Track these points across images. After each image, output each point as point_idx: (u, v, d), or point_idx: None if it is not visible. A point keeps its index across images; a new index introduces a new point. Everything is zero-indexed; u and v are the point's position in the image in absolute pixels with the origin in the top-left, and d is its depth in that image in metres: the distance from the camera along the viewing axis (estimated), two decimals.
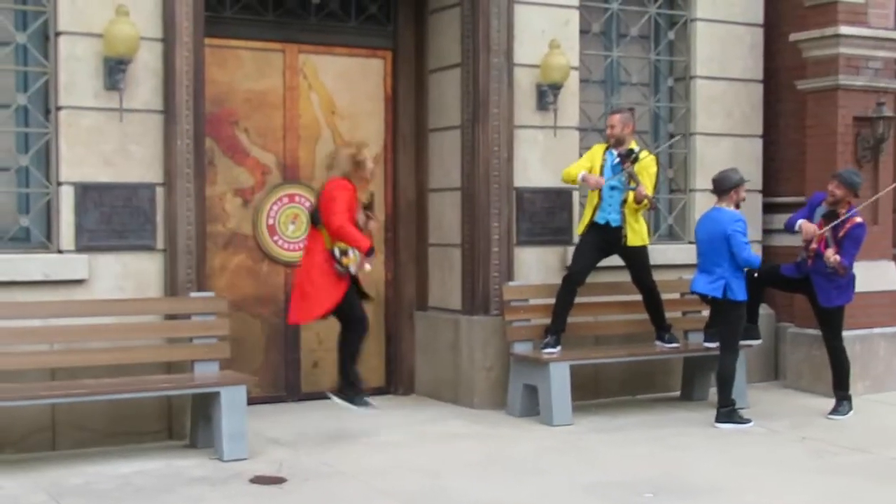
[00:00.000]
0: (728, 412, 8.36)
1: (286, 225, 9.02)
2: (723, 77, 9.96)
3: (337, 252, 7.51)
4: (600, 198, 8.55)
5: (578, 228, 8.83)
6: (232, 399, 7.21)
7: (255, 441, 7.49)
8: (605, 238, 8.58)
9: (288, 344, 9.08)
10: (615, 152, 8.54)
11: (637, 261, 8.72)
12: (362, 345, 7.88)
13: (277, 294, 9.02)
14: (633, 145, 8.59)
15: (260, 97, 8.91)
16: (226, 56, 8.77)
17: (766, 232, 10.27)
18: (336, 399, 7.79)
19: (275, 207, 8.97)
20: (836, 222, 8.51)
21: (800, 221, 8.69)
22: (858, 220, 8.59)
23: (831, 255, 8.42)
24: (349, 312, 7.69)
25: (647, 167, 8.54)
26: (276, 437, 7.83)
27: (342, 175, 7.63)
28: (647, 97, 9.91)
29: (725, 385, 8.40)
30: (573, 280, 8.60)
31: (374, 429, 8.10)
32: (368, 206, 7.84)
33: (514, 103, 8.94)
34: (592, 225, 8.60)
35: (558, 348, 8.51)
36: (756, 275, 8.63)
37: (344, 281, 7.58)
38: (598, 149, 8.70)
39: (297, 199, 9.05)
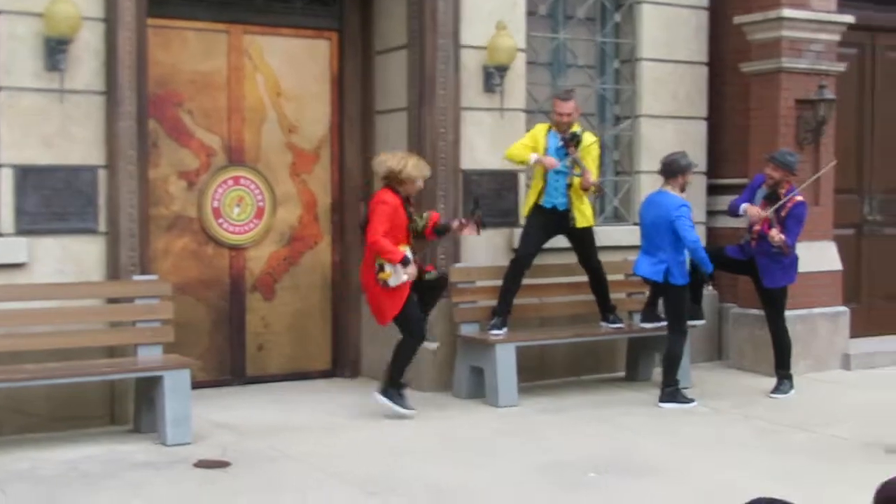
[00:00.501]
0: (672, 392, 8.41)
1: (231, 207, 8.94)
2: (669, 59, 9.98)
3: (377, 266, 7.67)
4: (545, 181, 8.52)
5: (523, 210, 8.81)
6: (175, 383, 7.12)
7: (199, 425, 7.39)
8: (551, 220, 8.57)
9: (233, 327, 9.00)
10: (559, 136, 8.50)
11: (584, 242, 8.72)
12: (414, 353, 7.96)
13: (222, 277, 8.95)
14: (576, 127, 8.57)
15: (204, 78, 8.79)
16: (170, 37, 8.63)
17: (711, 213, 10.32)
18: (380, 399, 7.89)
19: (220, 190, 8.88)
20: (778, 204, 8.56)
21: (744, 206, 8.73)
22: (799, 199, 8.65)
23: (776, 235, 8.48)
24: (403, 320, 7.81)
25: (590, 151, 8.50)
26: (221, 421, 7.75)
27: (387, 184, 7.72)
28: (594, 79, 9.91)
29: (672, 365, 8.44)
30: (521, 263, 8.58)
31: (322, 413, 8.05)
32: (474, 211, 8.00)
33: (461, 85, 8.89)
34: (538, 208, 8.58)
35: (504, 330, 8.50)
36: (701, 279, 8.69)
37: (401, 289, 7.68)
38: (540, 128, 8.64)
39: (242, 181, 8.97)
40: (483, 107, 9.04)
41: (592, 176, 8.40)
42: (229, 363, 9.01)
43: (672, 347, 8.48)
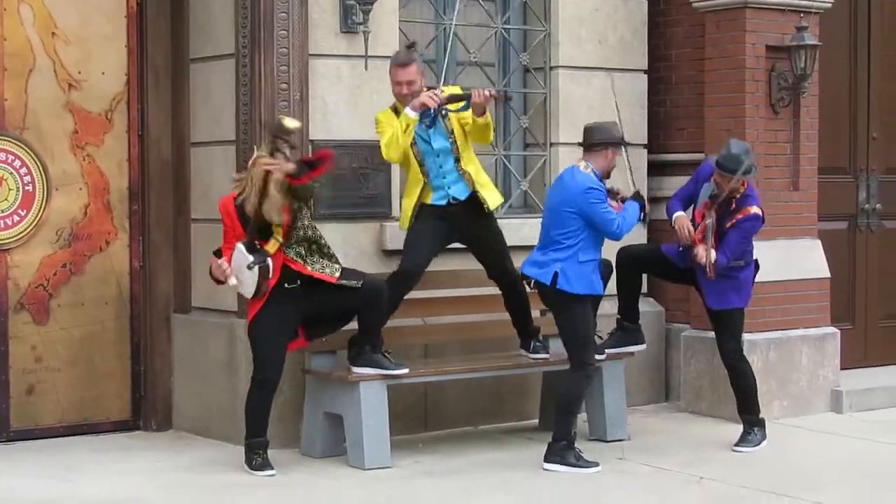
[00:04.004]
0: (562, 449, 8.33)
1: None
2: None
3: None
4: (426, 174, 8.50)
5: (402, 222, 8.75)
6: None
7: None
8: (448, 219, 8.56)
9: None
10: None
11: (491, 238, 8.69)
12: (263, 400, 8.22)
13: None
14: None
15: None
16: None
17: (653, 200, 10.35)
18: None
19: None
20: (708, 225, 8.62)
21: (675, 215, 8.84)
22: (754, 210, 8.69)
23: (702, 252, 8.59)
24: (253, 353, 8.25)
25: (451, 89, 8.53)
26: None
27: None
28: (493, 16, 9.93)
29: (564, 413, 8.37)
30: (408, 278, 8.51)
31: (119, 482, 7.94)
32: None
33: (310, 23, 8.87)
34: (427, 208, 8.55)
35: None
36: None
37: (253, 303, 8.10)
38: (387, 115, 8.53)
39: (0, 156, 8.87)
40: (340, 53, 9.03)
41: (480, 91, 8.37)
42: None
43: (568, 389, 8.43)
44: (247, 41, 8.82)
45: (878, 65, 11.00)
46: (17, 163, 8.89)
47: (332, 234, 8.90)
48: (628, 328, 8.95)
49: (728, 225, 8.67)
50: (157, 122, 9.34)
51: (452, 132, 8.46)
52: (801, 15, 9.85)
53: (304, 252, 8.07)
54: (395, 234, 9.08)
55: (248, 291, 7.94)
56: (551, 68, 10.00)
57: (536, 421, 9.59)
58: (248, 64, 8.81)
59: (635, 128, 10.19)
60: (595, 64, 10.08)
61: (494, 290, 8.90)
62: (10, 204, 8.88)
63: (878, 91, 11.02)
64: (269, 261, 7.90)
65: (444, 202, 8.54)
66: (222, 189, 8.89)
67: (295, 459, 8.53)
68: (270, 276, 7.93)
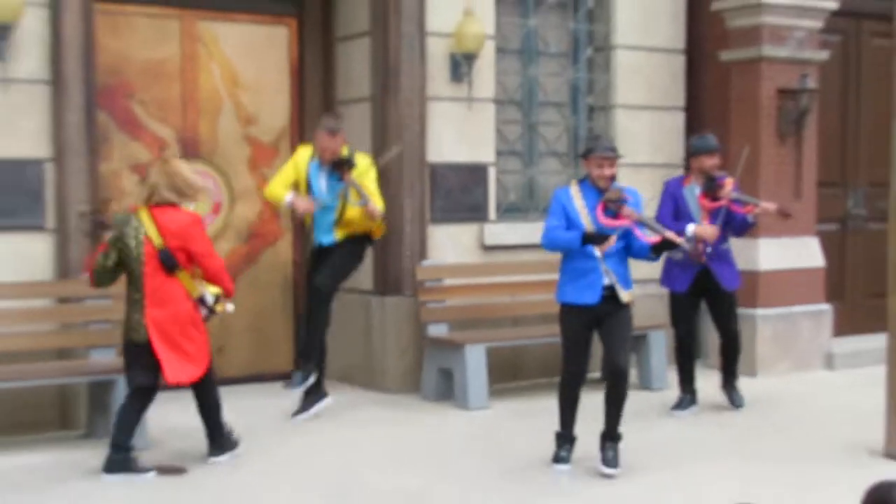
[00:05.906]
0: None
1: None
2: (644, 47, 10.06)
3: (210, 298, 6.76)
4: (312, 216, 8.02)
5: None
6: None
7: (155, 430, 7.41)
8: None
9: None
10: (323, 166, 7.90)
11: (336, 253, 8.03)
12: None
13: None
14: (345, 150, 7.92)
15: (157, 67, 8.81)
16: (119, 23, 8.64)
17: None
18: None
19: None
20: (746, 199, 8.20)
21: (691, 228, 7.88)
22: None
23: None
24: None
25: (365, 172, 7.92)
26: (176, 426, 7.73)
27: (168, 202, 6.67)
28: (566, 68, 9.96)
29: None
30: (316, 290, 8.03)
31: (286, 416, 8.10)
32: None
33: (427, 74, 8.93)
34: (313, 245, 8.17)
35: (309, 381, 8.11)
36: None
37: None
38: (303, 154, 8.05)
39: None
40: (450, 97, 9.09)
41: (378, 204, 7.85)
42: None
43: None
44: (379, 88, 8.90)
45: (864, 103, 10.90)
46: (209, 181, 8.99)
47: (443, 233, 9.08)
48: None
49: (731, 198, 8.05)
50: None
51: (356, 199, 7.78)
52: (805, 65, 9.88)
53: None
54: (492, 232, 9.18)
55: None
56: (610, 107, 10.02)
57: (599, 374, 9.54)
58: (381, 105, 8.89)
59: (674, 154, 10.18)
60: (644, 104, 10.09)
61: None
62: (204, 211, 8.95)
63: (863, 123, 10.92)
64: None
65: (316, 245, 8.08)
66: None
67: (416, 403, 8.63)
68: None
